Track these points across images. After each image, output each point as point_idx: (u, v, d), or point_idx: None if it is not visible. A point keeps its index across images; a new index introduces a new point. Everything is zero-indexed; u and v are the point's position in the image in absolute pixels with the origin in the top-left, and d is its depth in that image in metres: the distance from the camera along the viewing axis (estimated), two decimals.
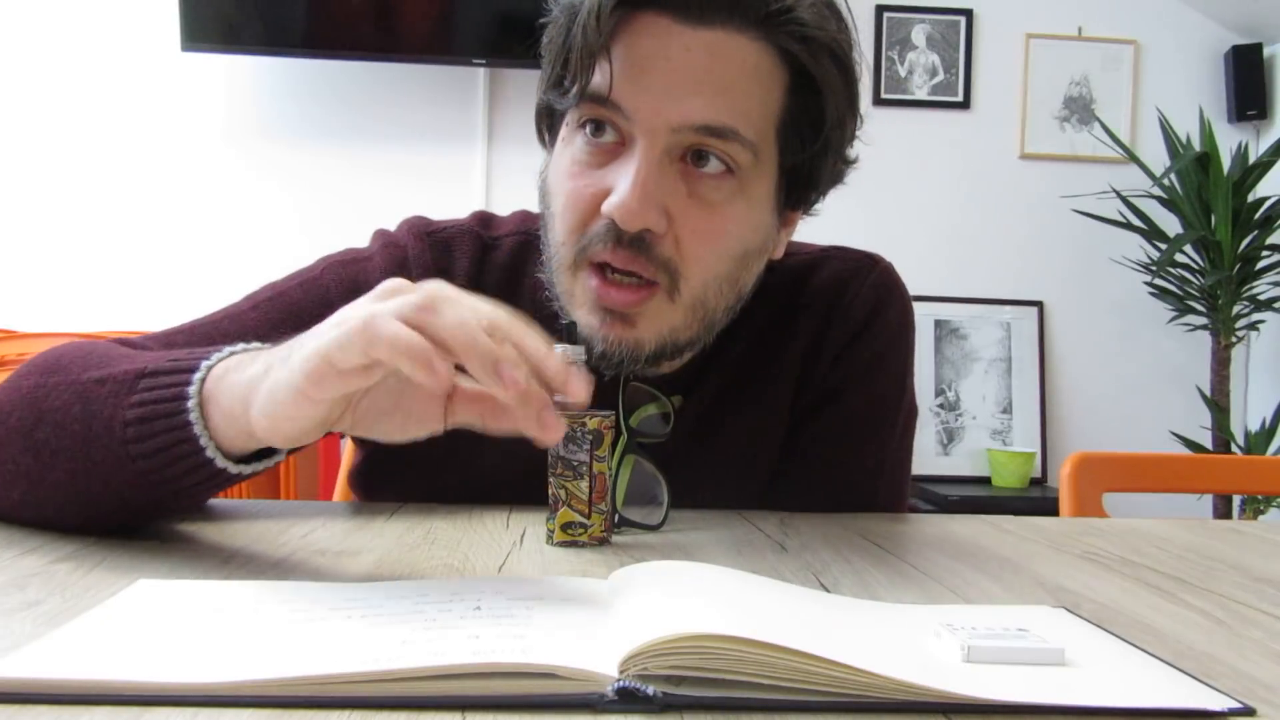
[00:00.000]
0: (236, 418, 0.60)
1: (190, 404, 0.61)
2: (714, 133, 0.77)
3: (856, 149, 0.87)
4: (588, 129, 0.79)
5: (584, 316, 0.80)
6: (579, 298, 0.81)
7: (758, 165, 0.80)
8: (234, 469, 0.63)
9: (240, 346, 0.64)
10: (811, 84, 0.80)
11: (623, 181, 0.76)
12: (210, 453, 0.61)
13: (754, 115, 0.79)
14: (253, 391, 0.58)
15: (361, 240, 0.96)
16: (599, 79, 0.77)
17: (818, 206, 0.90)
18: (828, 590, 0.61)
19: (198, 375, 0.62)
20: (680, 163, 0.78)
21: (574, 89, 0.78)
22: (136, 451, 0.62)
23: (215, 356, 0.63)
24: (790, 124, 0.81)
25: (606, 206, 0.77)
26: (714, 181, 0.79)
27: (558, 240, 0.81)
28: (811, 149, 0.82)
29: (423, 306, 0.53)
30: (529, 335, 0.55)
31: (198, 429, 0.61)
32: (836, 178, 0.87)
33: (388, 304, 0.53)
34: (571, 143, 0.81)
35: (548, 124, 0.86)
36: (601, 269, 0.79)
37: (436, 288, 0.55)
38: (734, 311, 0.85)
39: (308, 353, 0.54)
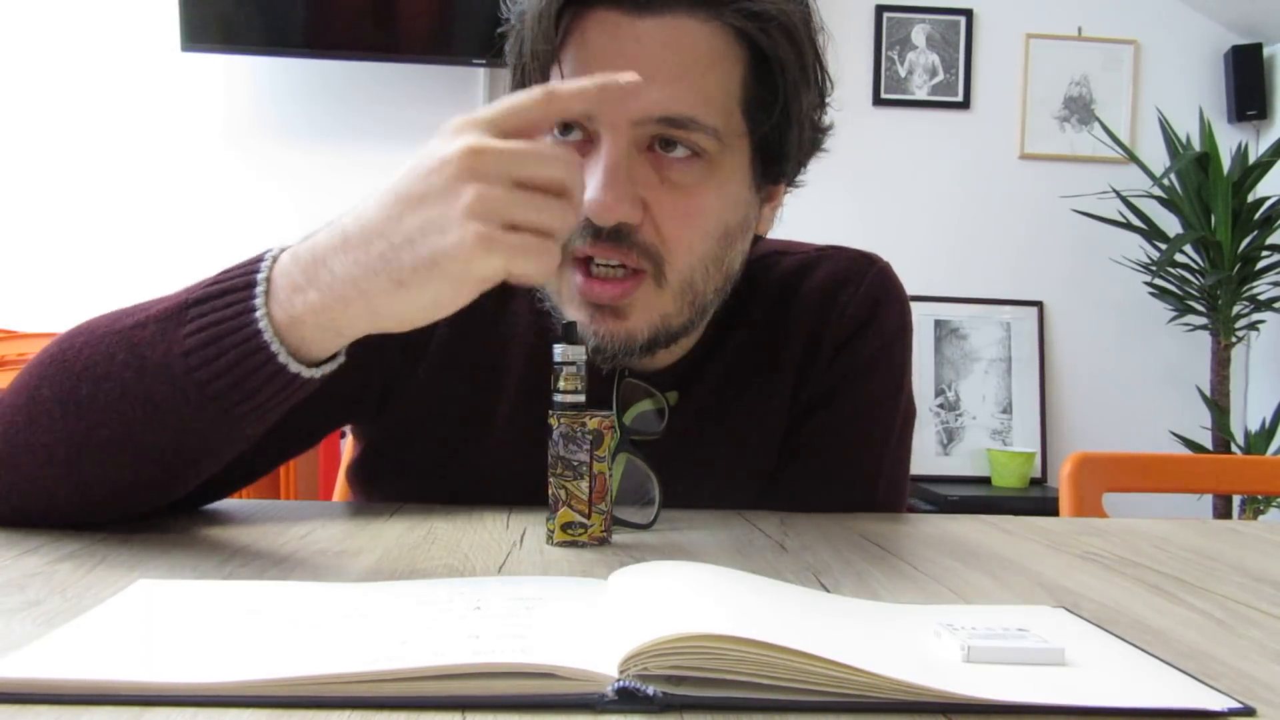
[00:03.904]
0: (352, 323, 0.62)
1: (259, 314, 0.62)
2: (674, 123, 0.77)
3: (830, 117, 0.87)
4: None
5: (574, 313, 0.81)
6: (566, 295, 0.81)
7: (724, 145, 0.80)
8: (307, 373, 0.63)
9: (277, 248, 0.64)
10: (764, 58, 0.80)
11: (592, 180, 0.76)
12: (283, 358, 0.62)
13: (714, 97, 0.79)
14: (375, 305, 0.60)
15: None
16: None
17: (802, 178, 0.90)
18: (828, 590, 0.61)
19: (260, 289, 0.62)
20: (648, 151, 0.79)
21: None
22: (207, 377, 0.63)
23: (265, 268, 0.63)
24: (754, 99, 0.81)
25: None
26: (683, 165, 0.79)
27: None
28: (773, 122, 0.82)
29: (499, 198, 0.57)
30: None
31: (268, 335, 0.62)
32: (813, 146, 0.87)
33: (474, 199, 0.57)
34: None
35: None
36: (585, 264, 0.79)
37: (471, 148, 0.57)
38: (725, 293, 0.85)
39: (423, 268, 0.58)
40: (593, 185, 0.76)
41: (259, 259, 0.64)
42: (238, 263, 0.66)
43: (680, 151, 0.78)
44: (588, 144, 0.78)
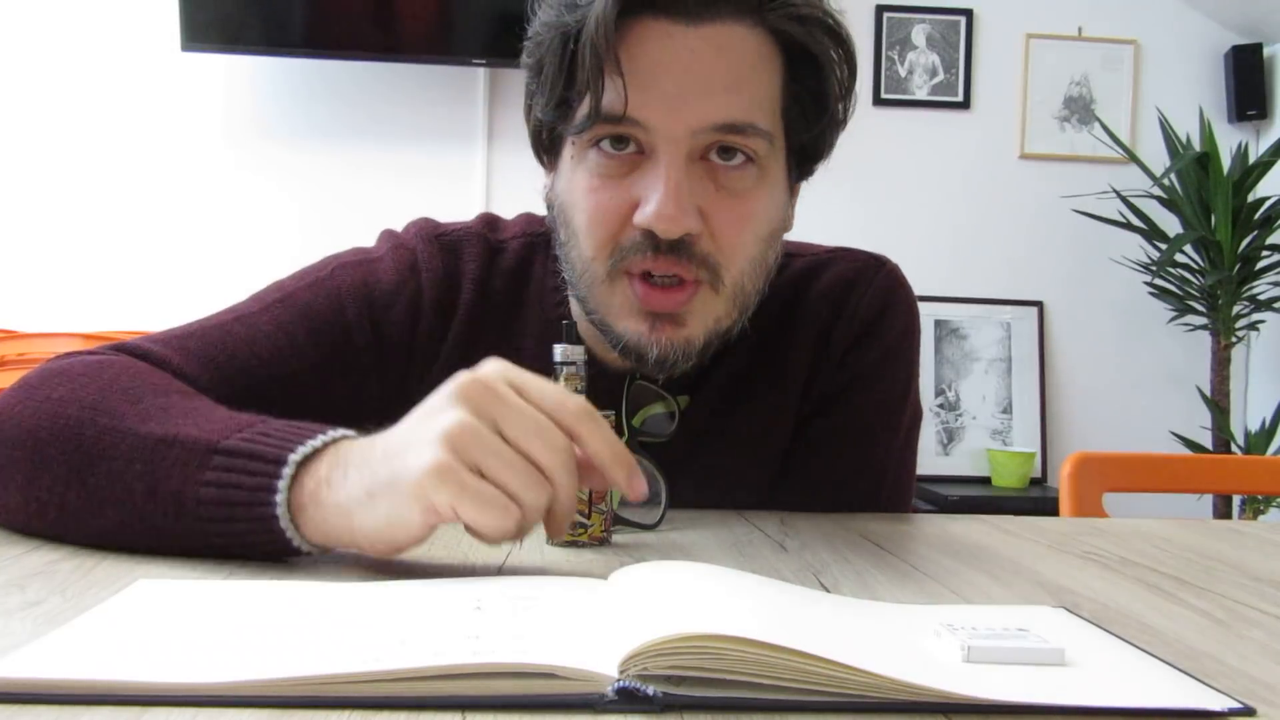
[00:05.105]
0: (338, 531, 0.60)
1: (279, 497, 0.59)
2: (733, 129, 0.78)
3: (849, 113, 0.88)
4: (604, 143, 0.79)
5: (630, 325, 0.80)
6: (620, 308, 0.81)
7: (773, 149, 0.81)
8: (307, 548, 0.61)
9: (320, 440, 0.61)
10: (809, 61, 0.81)
11: (654, 192, 0.76)
12: (297, 542, 0.61)
13: (764, 103, 0.80)
14: (352, 518, 0.58)
15: (362, 241, 0.96)
16: (612, 97, 0.76)
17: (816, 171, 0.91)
18: (828, 590, 0.61)
19: (287, 471, 0.60)
20: (703, 161, 0.79)
21: (585, 111, 0.78)
22: (214, 530, 0.62)
23: (301, 451, 0.61)
24: (794, 103, 0.82)
25: (641, 218, 0.77)
26: (738, 172, 0.80)
27: (587, 256, 0.81)
28: (820, 124, 0.83)
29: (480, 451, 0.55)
30: (593, 429, 0.58)
31: (284, 522, 0.60)
32: (833, 143, 0.88)
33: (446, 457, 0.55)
34: (584, 159, 0.80)
35: (546, 143, 0.85)
36: (644, 275, 0.79)
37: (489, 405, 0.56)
38: (763, 292, 0.86)
39: (392, 506, 0.56)
40: (654, 199, 0.76)
41: (304, 437, 0.61)
42: (283, 421, 0.64)
43: (736, 158, 0.79)
44: (640, 155, 0.79)
